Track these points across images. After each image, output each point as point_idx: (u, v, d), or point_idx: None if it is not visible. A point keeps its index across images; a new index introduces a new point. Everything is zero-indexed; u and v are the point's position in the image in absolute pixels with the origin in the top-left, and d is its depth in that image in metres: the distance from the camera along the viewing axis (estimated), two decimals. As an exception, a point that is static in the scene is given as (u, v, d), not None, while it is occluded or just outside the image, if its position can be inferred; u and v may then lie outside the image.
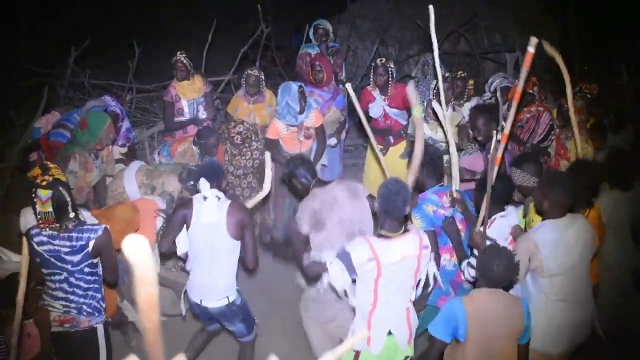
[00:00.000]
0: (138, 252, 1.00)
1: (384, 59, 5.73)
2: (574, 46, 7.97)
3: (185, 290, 3.92)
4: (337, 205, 3.89)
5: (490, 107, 4.94)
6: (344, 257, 3.14)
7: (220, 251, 3.73)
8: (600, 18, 8.37)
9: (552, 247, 3.35)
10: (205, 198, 3.71)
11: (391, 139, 5.75)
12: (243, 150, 5.47)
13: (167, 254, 4.03)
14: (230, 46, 7.71)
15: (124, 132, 5.38)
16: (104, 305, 3.53)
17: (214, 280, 3.80)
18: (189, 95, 5.74)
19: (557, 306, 3.41)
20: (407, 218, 3.27)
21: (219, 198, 3.72)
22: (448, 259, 3.98)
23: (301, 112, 5.39)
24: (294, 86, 5.36)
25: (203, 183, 3.72)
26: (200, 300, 3.81)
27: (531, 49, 3.40)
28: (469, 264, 3.55)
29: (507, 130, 3.55)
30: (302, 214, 3.96)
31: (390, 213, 3.15)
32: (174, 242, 3.79)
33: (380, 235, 3.17)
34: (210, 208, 3.69)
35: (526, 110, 5.31)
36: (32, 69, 7.30)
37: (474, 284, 3.45)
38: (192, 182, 4.54)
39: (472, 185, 4.83)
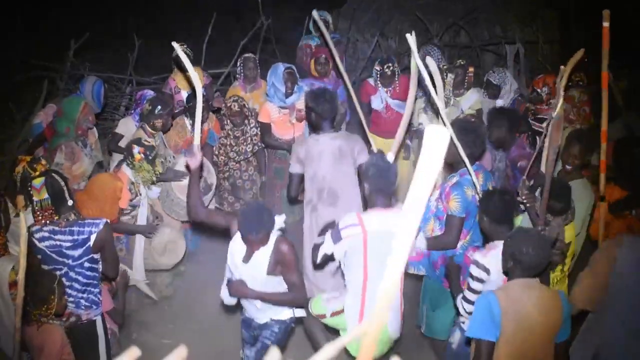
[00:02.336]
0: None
1: (390, 65, 5.64)
2: (573, 38, 7.96)
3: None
4: (318, 160, 4.03)
5: (512, 112, 4.85)
6: (334, 230, 3.26)
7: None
8: (601, 10, 8.33)
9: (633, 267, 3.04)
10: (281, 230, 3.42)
11: (409, 142, 5.77)
12: (243, 129, 5.44)
13: None
14: (230, 39, 7.68)
15: None
16: (101, 298, 3.55)
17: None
18: (188, 87, 5.74)
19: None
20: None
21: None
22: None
23: (288, 93, 5.36)
24: (281, 67, 5.38)
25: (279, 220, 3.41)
26: None
27: (606, 24, 3.24)
28: (464, 297, 3.27)
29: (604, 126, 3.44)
30: (292, 156, 4.38)
31: (383, 190, 3.22)
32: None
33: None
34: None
35: (538, 109, 5.27)
36: (32, 62, 7.28)
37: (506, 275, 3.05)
38: (159, 108, 4.59)
39: None
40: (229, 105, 5.37)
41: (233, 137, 5.48)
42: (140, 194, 4.35)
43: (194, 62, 5.94)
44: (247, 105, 5.44)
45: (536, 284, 2.77)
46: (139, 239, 4.49)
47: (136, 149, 4.20)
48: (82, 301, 3.43)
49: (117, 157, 5.04)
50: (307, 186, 4.30)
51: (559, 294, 2.81)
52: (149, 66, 7.93)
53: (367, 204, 3.45)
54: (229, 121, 5.43)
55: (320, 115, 4.18)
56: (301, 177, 4.31)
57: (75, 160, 4.61)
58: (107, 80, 7.33)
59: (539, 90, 5.27)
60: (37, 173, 3.40)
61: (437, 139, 0.98)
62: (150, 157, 4.26)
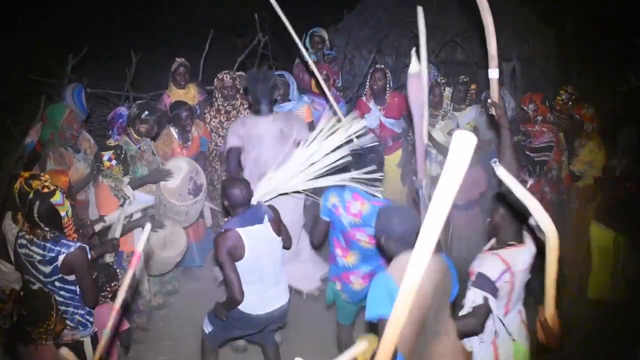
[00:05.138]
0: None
1: (382, 65, 5.74)
2: (571, 54, 8.02)
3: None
4: (259, 144, 3.94)
5: None
6: (484, 282, 2.98)
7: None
8: (598, 26, 8.40)
9: None
10: None
11: (390, 141, 5.75)
12: (234, 105, 5.45)
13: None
14: (227, 56, 7.72)
15: None
16: (90, 320, 3.47)
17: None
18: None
19: None
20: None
21: None
22: (340, 254, 3.86)
23: (279, 100, 5.30)
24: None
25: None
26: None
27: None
28: None
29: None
30: (229, 133, 4.31)
31: (519, 221, 3.12)
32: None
33: (507, 245, 3.11)
34: None
35: (529, 131, 5.27)
36: (30, 77, 7.30)
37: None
38: (146, 113, 4.51)
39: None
40: (221, 77, 5.40)
41: (224, 112, 5.46)
42: (129, 197, 4.31)
43: (191, 78, 5.97)
44: (237, 77, 5.51)
45: None
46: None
47: (106, 156, 4.17)
48: (67, 321, 3.38)
49: None
50: (250, 170, 4.28)
51: (444, 260, 2.85)
52: (147, 82, 7.95)
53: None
54: (219, 95, 5.43)
55: (256, 97, 4.14)
56: (239, 151, 4.29)
57: (69, 165, 4.60)
58: (105, 97, 7.35)
59: (525, 108, 5.28)
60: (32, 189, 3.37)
61: (464, 142, 0.98)
62: (122, 157, 4.23)
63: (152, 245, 4.46)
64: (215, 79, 5.48)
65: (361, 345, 3.09)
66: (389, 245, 2.87)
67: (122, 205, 4.24)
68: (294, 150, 4.16)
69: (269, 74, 4.23)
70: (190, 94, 5.79)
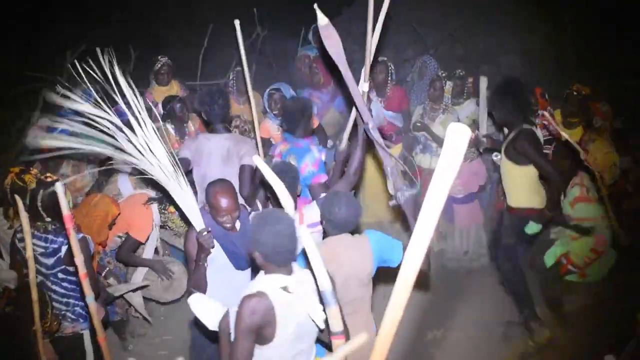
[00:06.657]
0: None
1: (384, 57, 5.73)
2: (568, 51, 7.99)
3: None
4: (207, 160, 4.00)
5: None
6: None
7: None
8: (597, 22, 8.38)
9: None
10: None
11: (393, 136, 5.74)
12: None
13: None
14: (226, 51, 7.69)
15: None
16: None
17: None
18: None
19: None
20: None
21: None
22: None
23: (276, 114, 5.34)
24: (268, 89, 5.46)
25: None
26: None
27: None
28: None
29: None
30: (182, 146, 4.37)
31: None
32: None
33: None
34: None
35: None
36: (28, 74, 7.27)
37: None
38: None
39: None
40: (230, 130, 5.39)
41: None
42: (157, 239, 4.38)
43: (174, 74, 5.94)
44: (248, 128, 5.44)
45: (348, 237, 3.15)
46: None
47: None
48: (68, 314, 3.39)
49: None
50: (198, 183, 4.30)
51: (367, 240, 3.15)
52: (145, 78, 7.92)
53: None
54: None
55: (209, 116, 4.19)
56: (188, 163, 4.27)
57: (80, 172, 4.59)
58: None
59: None
60: (27, 184, 3.37)
61: (459, 135, 0.99)
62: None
63: (160, 281, 4.49)
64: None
65: (362, 338, 3.10)
66: (328, 228, 3.15)
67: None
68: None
69: (221, 94, 4.28)
70: (173, 91, 5.77)
